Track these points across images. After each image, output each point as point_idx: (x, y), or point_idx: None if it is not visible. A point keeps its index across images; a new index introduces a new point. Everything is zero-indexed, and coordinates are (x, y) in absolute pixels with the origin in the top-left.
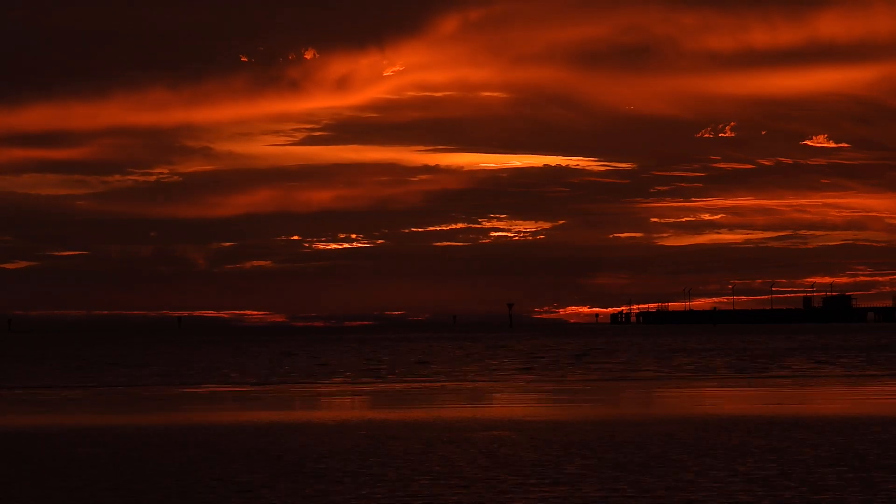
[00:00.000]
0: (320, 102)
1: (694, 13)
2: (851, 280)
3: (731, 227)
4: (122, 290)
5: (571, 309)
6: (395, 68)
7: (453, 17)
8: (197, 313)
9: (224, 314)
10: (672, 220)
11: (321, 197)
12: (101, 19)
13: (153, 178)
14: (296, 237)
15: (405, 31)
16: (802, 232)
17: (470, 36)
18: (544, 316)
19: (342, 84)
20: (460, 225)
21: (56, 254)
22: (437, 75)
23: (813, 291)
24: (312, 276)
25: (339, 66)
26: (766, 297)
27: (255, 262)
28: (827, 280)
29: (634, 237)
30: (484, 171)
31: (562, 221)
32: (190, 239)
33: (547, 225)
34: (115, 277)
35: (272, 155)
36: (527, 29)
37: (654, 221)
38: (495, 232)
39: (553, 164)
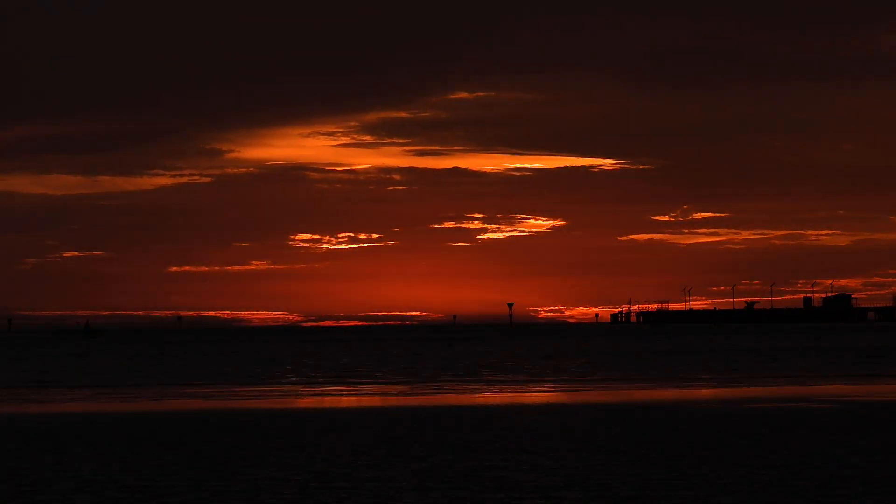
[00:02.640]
0: (357, 109)
1: (744, 23)
2: (865, 280)
3: (738, 228)
4: (130, 291)
5: (571, 309)
6: (444, 75)
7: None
8: (209, 314)
9: (241, 314)
10: (680, 219)
11: (339, 198)
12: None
13: (184, 179)
14: (316, 236)
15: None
16: (810, 231)
17: (514, 43)
18: (547, 315)
19: (384, 90)
20: (474, 224)
21: (68, 254)
22: (475, 80)
23: (813, 291)
24: (327, 276)
25: (385, 73)
26: (767, 297)
27: (267, 263)
28: (836, 281)
29: (643, 237)
30: (497, 171)
31: (568, 221)
32: (209, 240)
33: (555, 224)
34: (127, 278)
35: (300, 157)
36: (572, 36)
37: (661, 220)
38: (502, 232)
39: (567, 165)
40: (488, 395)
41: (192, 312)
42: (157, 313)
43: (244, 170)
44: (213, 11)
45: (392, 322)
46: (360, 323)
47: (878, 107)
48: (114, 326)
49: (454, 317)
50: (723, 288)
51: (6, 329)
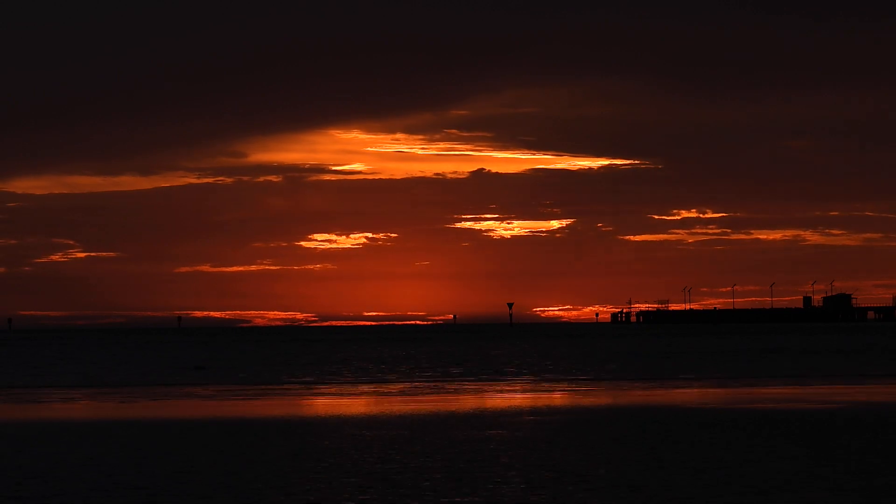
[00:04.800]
0: (377, 111)
1: (747, 30)
2: (876, 282)
3: (742, 228)
4: (138, 292)
5: (580, 309)
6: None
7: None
8: (216, 314)
9: (252, 314)
10: (676, 218)
11: (359, 199)
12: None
13: (207, 179)
14: (332, 236)
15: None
16: (810, 232)
17: (535, 48)
18: (547, 315)
19: (407, 92)
20: (482, 225)
21: (80, 255)
22: (497, 84)
23: (813, 291)
24: (342, 277)
25: (408, 76)
26: (767, 298)
27: (281, 264)
28: (836, 282)
29: (643, 237)
30: (500, 171)
31: (570, 221)
32: (223, 240)
33: (554, 225)
34: (136, 278)
35: (321, 160)
36: (586, 42)
37: (663, 220)
38: (501, 231)
39: (570, 167)
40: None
41: (199, 313)
42: (159, 314)
43: (266, 172)
44: (237, 16)
45: (392, 323)
46: (366, 323)
47: (889, 111)
48: (116, 326)
49: (454, 316)
50: (726, 289)
51: (6, 329)
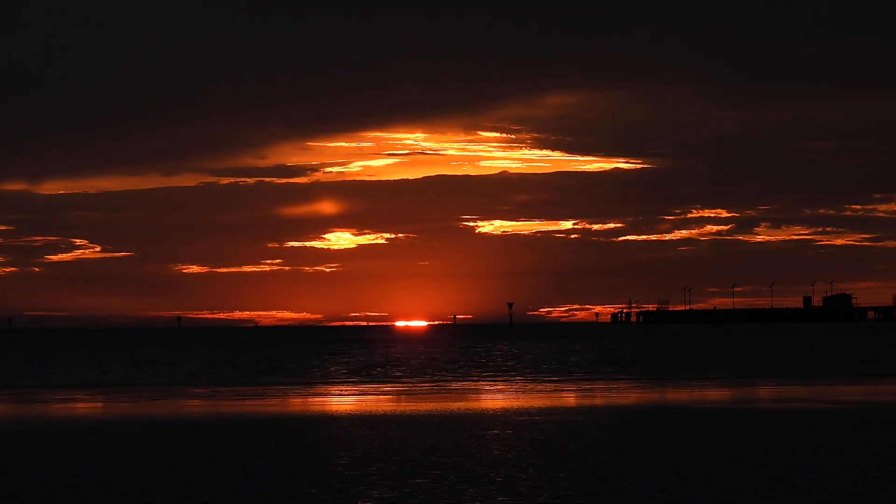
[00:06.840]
0: (395, 113)
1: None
2: (884, 283)
3: (742, 228)
4: (152, 291)
5: (571, 309)
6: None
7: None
8: (223, 316)
9: (262, 314)
10: (677, 218)
11: (372, 200)
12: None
13: (227, 180)
14: (350, 235)
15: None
16: (815, 232)
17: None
18: (550, 315)
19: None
20: (486, 226)
21: (92, 255)
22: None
23: (813, 292)
24: (350, 277)
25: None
26: (767, 298)
27: (291, 264)
28: (837, 283)
29: (647, 238)
30: (519, 172)
31: (578, 221)
32: (236, 240)
33: (566, 225)
34: (149, 278)
35: (336, 162)
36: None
37: (668, 219)
38: (500, 230)
39: (585, 167)
40: None
41: (207, 314)
42: (164, 314)
43: (286, 174)
44: (257, 17)
45: (391, 324)
46: (371, 323)
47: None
48: (118, 327)
49: (454, 317)
50: (727, 289)
51: (6, 329)
